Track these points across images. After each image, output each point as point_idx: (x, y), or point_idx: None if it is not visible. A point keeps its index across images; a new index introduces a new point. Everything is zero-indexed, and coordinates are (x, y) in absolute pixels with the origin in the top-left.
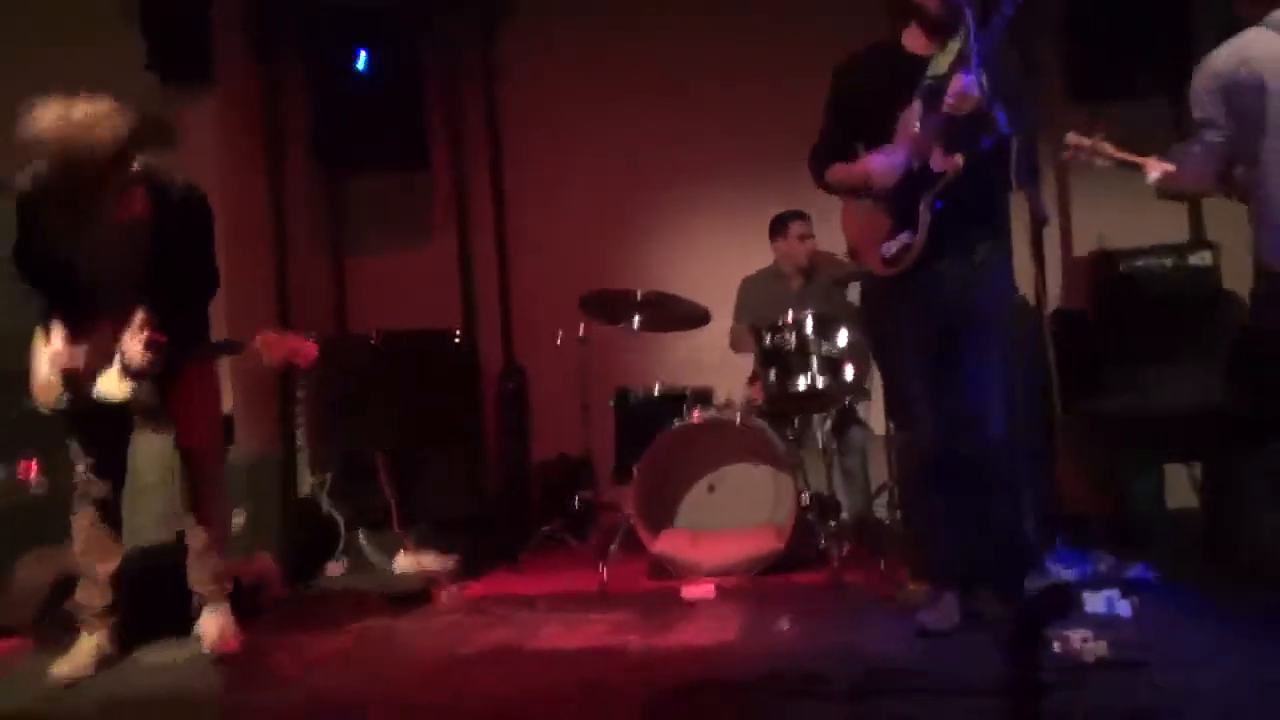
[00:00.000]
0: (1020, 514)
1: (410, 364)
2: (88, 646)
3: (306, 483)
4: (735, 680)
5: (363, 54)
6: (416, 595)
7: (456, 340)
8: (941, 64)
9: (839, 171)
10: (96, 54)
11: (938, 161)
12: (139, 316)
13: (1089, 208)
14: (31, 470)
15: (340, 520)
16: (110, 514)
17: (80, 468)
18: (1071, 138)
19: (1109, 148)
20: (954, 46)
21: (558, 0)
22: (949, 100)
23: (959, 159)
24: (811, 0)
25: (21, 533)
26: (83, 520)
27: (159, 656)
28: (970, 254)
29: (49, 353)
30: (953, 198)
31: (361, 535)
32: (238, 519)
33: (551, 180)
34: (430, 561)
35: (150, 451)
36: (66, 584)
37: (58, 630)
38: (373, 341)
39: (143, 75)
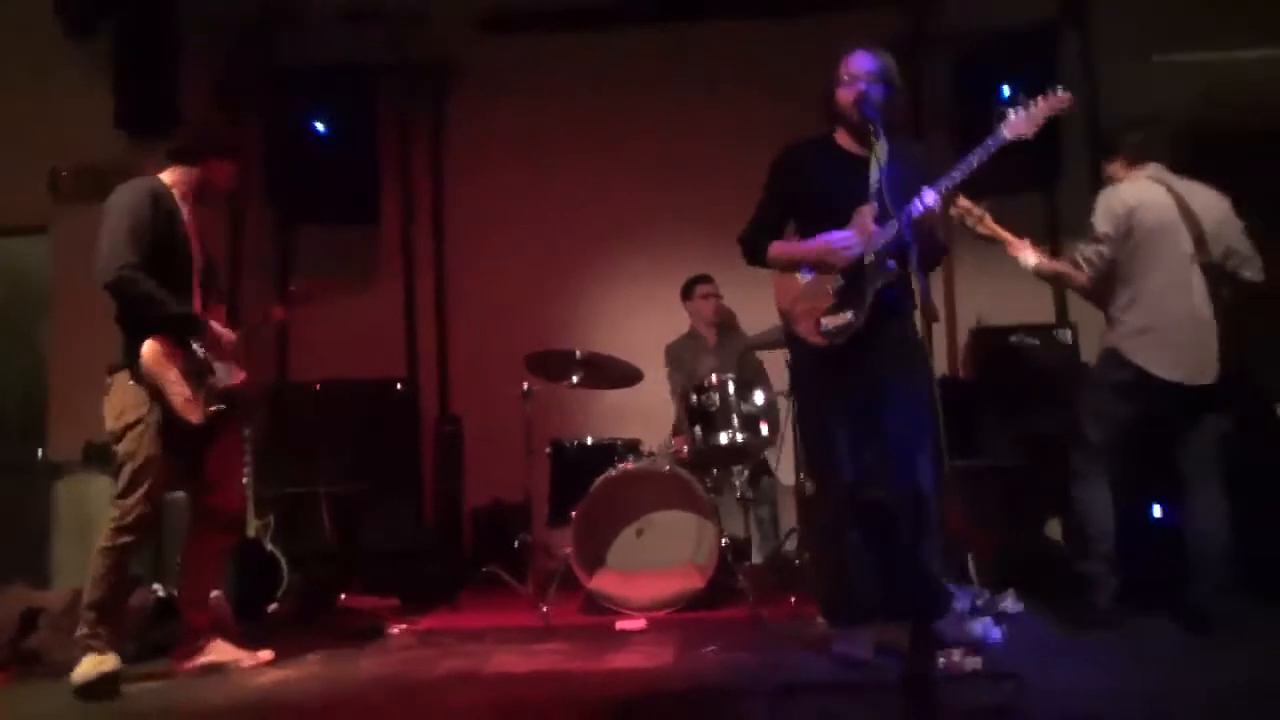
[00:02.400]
0: (934, 555)
1: (353, 411)
2: (103, 664)
3: (252, 524)
4: (674, 692)
5: (321, 118)
6: (367, 630)
7: (398, 388)
8: (874, 167)
9: (785, 248)
10: (67, 111)
11: (888, 258)
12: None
13: (969, 289)
14: None
15: (283, 560)
16: (149, 539)
17: (149, 490)
18: (963, 201)
19: (990, 219)
20: (880, 150)
21: (503, 70)
22: (919, 211)
23: (896, 261)
24: (740, 84)
25: None
26: (122, 545)
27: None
28: (894, 332)
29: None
30: (890, 288)
31: (303, 575)
32: None
33: (491, 239)
34: (373, 600)
35: (99, 493)
36: (30, 620)
37: (25, 665)
38: (317, 389)
39: (111, 131)
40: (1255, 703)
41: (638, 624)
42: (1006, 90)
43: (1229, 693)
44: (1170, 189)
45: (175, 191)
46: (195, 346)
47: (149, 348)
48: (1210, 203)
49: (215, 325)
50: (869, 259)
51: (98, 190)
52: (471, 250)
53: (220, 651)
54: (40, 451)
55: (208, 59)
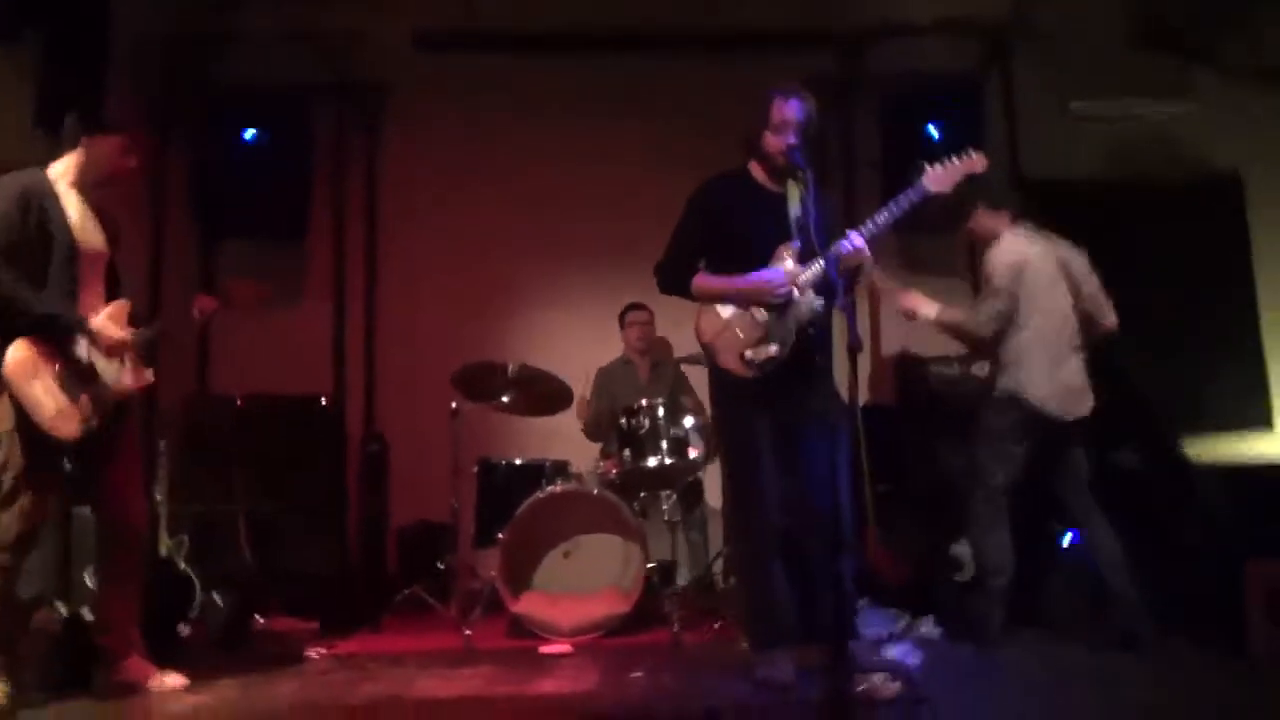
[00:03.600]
0: (844, 580)
1: (275, 427)
2: (2, 690)
3: (164, 543)
4: (598, 717)
5: (250, 129)
6: (285, 654)
7: (323, 405)
8: (794, 203)
9: (714, 283)
10: None
11: (810, 299)
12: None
13: (894, 320)
14: None
15: (196, 580)
16: (25, 560)
17: (29, 507)
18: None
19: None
20: (796, 189)
21: (438, 90)
22: (848, 251)
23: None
24: (676, 115)
25: None
26: (9, 571)
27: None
28: (811, 364)
29: (115, 337)
30: (814, 324)
31: (217, 595)
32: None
33: (424, 258)
34: (292, 623)
35: None
36: None
37: None
38: (238, 404)
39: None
40: None
41: (563, 648)
42: (933, 130)
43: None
44: (1047, 242)
45: (63, 181)
46: (78, 350)
47: (12, 354)
48: (1074, 256)
49: (104, 321)
50: (795, 295)
51: None
52: (404, 269)
53: (136, 671)
54: None
55: (138, 71)
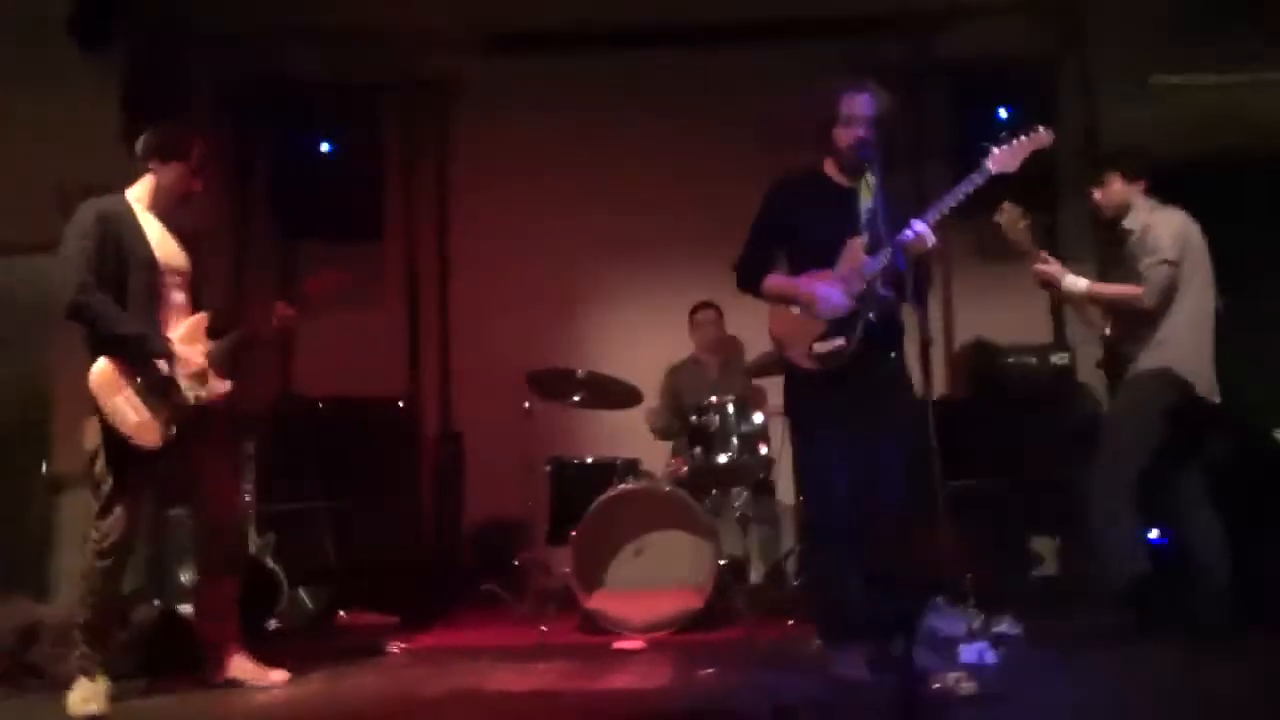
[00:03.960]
0: (911, 577)
1: (354, 427)
2: (101, 689)
3: (253, 541)
4: (670, 712)
5: (326, 135)
6: (366, 647)
7: (400, 406)
8: (867, 198)
9: (778, 285)
10: (77, 128)
11: (883, 288)
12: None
13: (967, 309)
14: None
15: (283, 576)
16: (125, 563)
17: (120, 515)
18: (1007, 205)
19: (1029, 233)
20: (868, 184)
21: (508, 90)
22: (910, 239)
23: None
24: (748, 109)
25: None
26: (103, 570)
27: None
28: (884, 360)
29: (182, 361)
30: (881, 315)
31: (303, 591)
32: (190, 574)
33: (496, 256)
34: (373, 618)
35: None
36: (31, 634)
37: (25, 679)
38: (319, 406)
39: (118, 147)
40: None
41: (635, 644)
42: (1004, 113)
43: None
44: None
45: (140, 203)
46: (160, 363)
47: (96, 371)
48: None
49: (184, 347)
50: (859, 288)
51: None
52: (476, 267)
53: (239, 668)
54: (44, 464)
55: (215, 74)
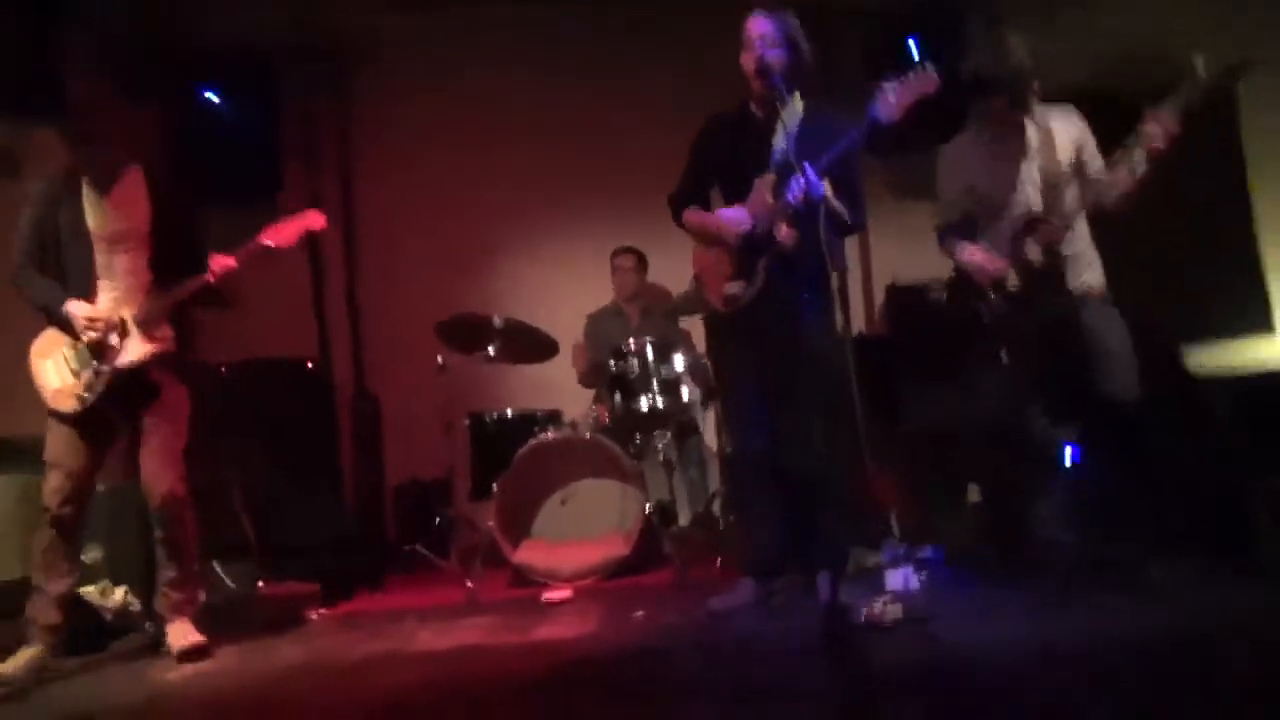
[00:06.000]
0: (834, 512)
1: (263, 393)
2: (28, 655)
3: None
4: (595, 658)
5: (221, 98)
6: (286, 618)
7: (310, 368)
8: (779, 135)
9: (693, 218)
10: None
11: (780, 233)
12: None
13: (884, 246)
14: None
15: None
16: (71, 534)
17: (54, 483)
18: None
19: None
20: (787, 116)
21: (411, 42)
22: (793, 194)
23: (794, 233)
24: (658, 55)
25: None
26: (43, 539)
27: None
28: (793, 300)
29: (82, 318)
30: (783, 257)
31: (217, 565)
32: (95, 553)
33: (403, 214)
34: (293, 587)
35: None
36: None
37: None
38: (222, 372)
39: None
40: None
41: (564, 594)
42: (913, 46)
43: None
44: None
45: (82, 176)
46: (82, 330)
47: (35, 342)
48: None
49: (109, 303)
50: (760, 229)
51: None
52: (384, 226)
53: (174, 634)
54: None
55: (96, 36)
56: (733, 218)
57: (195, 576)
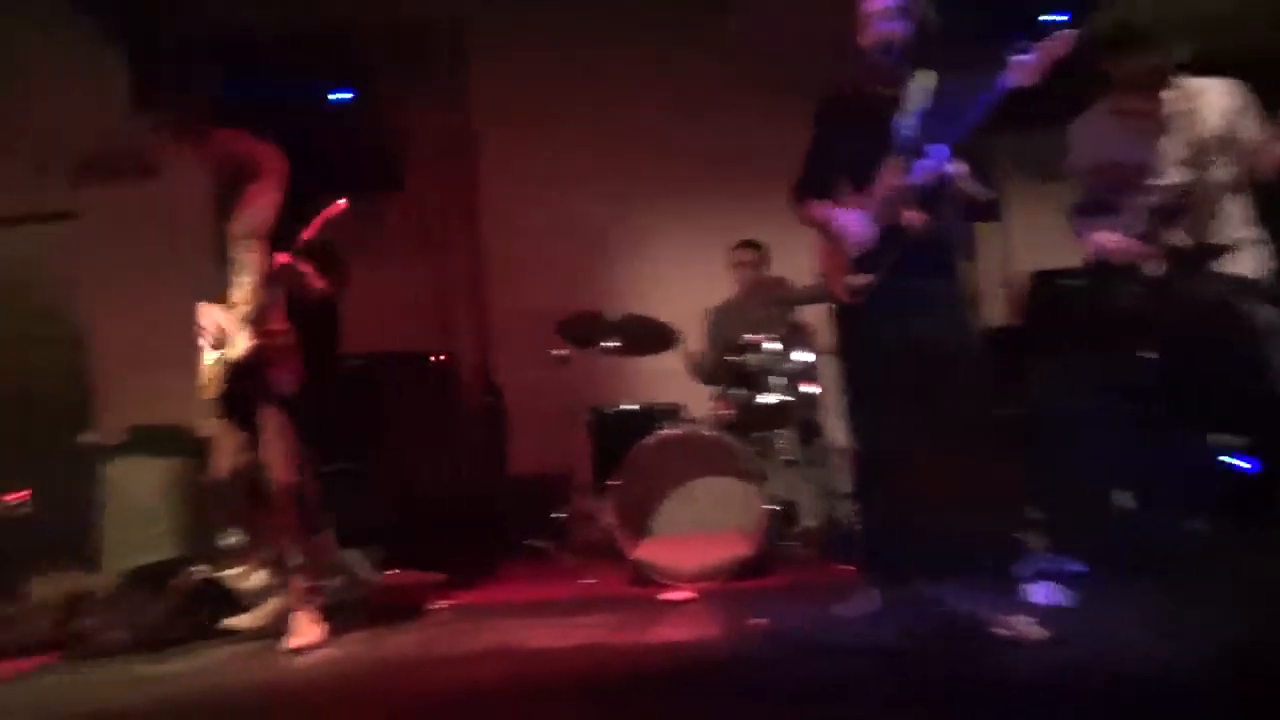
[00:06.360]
0: (967, 515)
1: (390, 385)
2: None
3: None
4: (715, 665)
5: (338, 86)
6: (409, 607)
7: (434, 361)
8: (904, 114)
9: (815, 214)
10: (83, 98)
11: (906, 217)
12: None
13: (1026, 232)
14: (19, 498)
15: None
16: (238, 502)
17: (214, 462)
18: None
19: None
20: (913, 93)
21: (532, 28)
22: (921, 174)
23: (921, 217)
24: (787, 39)
25: (18, 555)
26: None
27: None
28: (921, 291)
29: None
30: (910, 245)
31: (348, 551)
32: (236, 536)
33: (528, 204)
34: (418, 576)
35: (143, 476)
36: (77, 602)
37: (71, 647)
38: (351, 364)
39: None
40: None
41: (685, 594)
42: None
43: None
44: None
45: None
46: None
47: None
48: None
49: (203, 306)
50: (890, 216)
51: (117, 173)
52: (508, 217)
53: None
54: (87, 435)
55: (217, 30)
56: (850, 226)
57: (316, 566)
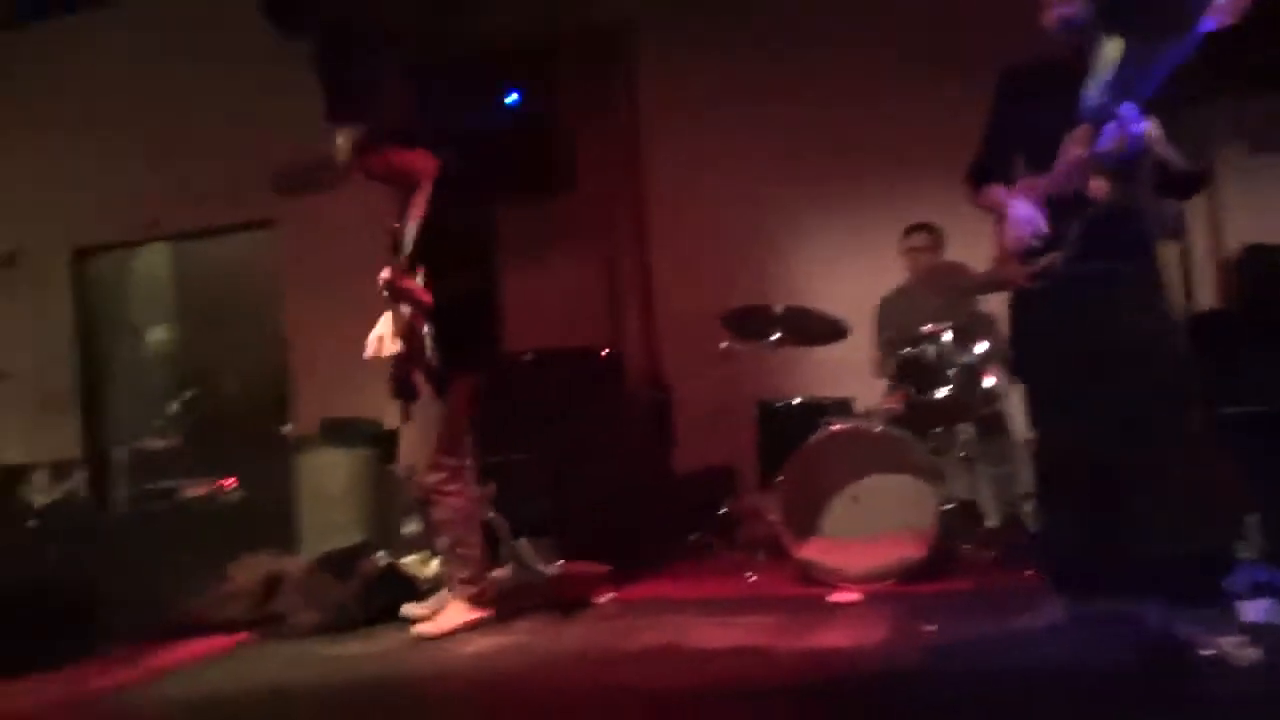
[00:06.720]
0: (1168, 519)
1: (562, 379)
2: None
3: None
4: (877, 676)
5: (508, 90)
6: (576, 599)
7: (604, 356)
8: (1092, 84)
9: (990, 199)
10: (283, 109)
11: (1093, 188)
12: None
13: (1238, 204)
14: (229, 484)
15: (504, 526)
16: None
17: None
18: None
19: None
20: (1099, 62)
21: (696, 23)
22: (1108, 139)
23: (1107, 186)
24: (956, 21)
25: (227, 538)
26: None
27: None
28: (1110, 271)
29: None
30: (1098, 221)
31: (522, 543)
32: (414, 525)
33: (694, 199)
34: (586, 568)
35: (334, 466)
36: (274, 584)
37: (271, 625)
38: (527, 359)
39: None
40: None
41: (852, 596)
42: None
43: None
44: None
45: None
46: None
47: None
48: None
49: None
50: (1072, 192)
51: (314, 183)
52: (675, 212)
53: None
54: (287, 427)
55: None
56: (1024, 204)
57: (470, 559)
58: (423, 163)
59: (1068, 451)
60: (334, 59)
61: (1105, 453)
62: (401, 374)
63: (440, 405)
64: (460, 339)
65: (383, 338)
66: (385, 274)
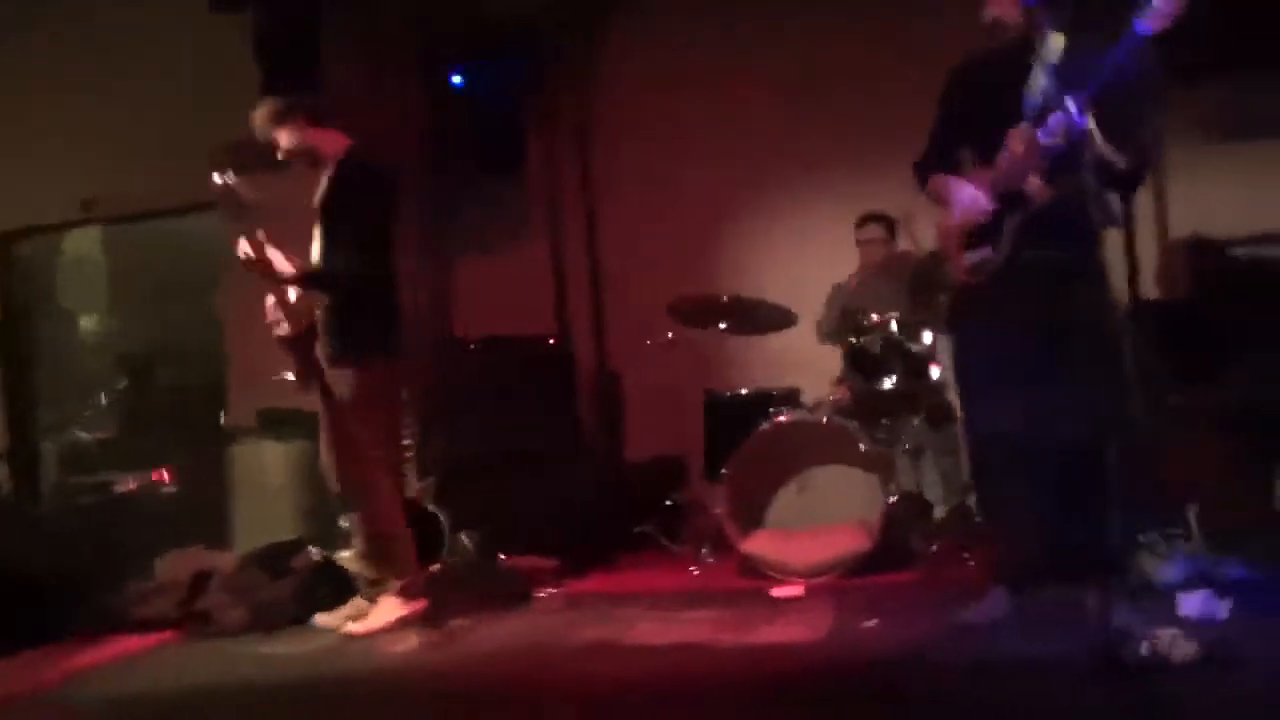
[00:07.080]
0: (1108, 509)
1: (508, 368)
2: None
3: (412, 485)
4: (820, 672)
5: (457, 73)
6: (518, 594)
7: (551, 344)
8: (1036, 78)
9: (936, 188)
10: (221, 87)
11: (1031, 186)
12: None
13: (1184, 194)
14: (164, 477)
15: (444, 521)
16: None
17: None
18: None
19: None
20: (1045, 55)
21: (649, 9)
22: (1049, 132)
23: (1044, 186)
24: (908, 10)
25: (161, 533)
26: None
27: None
28: (1049, 266)
29: None
30: (1037, 216)
31: (464, 536)
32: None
33: (643, 185)
34: (529, 561)
35: (271, 458)
36: (202, 580)
37: (198, 623)
38: (470, 347)
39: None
40: None
41: (794, 590)
42: None
43: None
44: None
45: None
46: None
47: None
48: None
49: None
50: (1013, 185)
51: (257, 162)
52: (623, 198)
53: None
54: (220, 417)
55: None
56: (965, 196)
57: (392, 555)
58: (331, 143)
59: (999, 443)
60: (271, 34)
61: (1042, 442)
62: (298, 356)
63: (340, 393)
64: (355, 327)
65: (280, 321)
66: (243, 246)
